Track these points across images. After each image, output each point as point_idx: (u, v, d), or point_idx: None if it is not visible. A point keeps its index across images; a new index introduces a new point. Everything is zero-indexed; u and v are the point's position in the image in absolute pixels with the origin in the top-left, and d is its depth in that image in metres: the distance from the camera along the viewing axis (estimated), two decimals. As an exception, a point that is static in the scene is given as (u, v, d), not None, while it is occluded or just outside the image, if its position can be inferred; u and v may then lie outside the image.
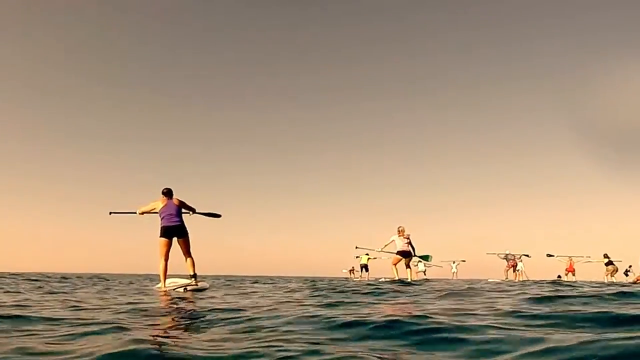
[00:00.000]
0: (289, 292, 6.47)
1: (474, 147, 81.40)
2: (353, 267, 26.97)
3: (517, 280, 21.32)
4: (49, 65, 75.31)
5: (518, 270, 24.67)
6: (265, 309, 3.30)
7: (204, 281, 8.25)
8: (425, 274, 23.35)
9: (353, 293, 5.43)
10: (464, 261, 27.16)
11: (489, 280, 18.54)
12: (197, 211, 8.01)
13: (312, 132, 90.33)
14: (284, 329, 2.32)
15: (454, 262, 27.37)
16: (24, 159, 76.94)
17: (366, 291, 5.56)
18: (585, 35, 63.26)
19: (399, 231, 11.98)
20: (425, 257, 13.61)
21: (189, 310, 3.51)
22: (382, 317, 2.42)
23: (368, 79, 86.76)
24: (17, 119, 76.05)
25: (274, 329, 2.31)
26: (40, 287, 8.13)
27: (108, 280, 14.20)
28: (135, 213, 7.80)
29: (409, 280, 11.63)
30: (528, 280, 20.95)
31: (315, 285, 8.47)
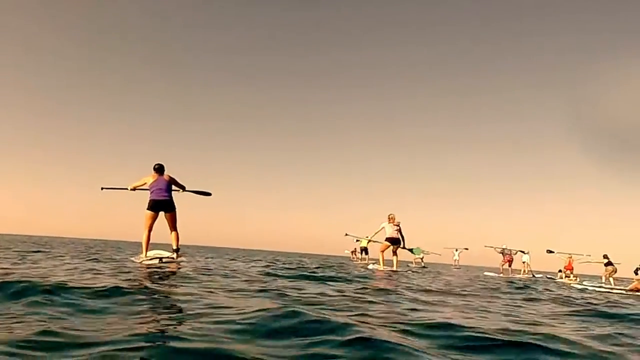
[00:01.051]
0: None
1: (480, 138, 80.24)
2: (355, 249, 26.98)
3: (524, 273, 21.13)
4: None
5: (524, 262, 24.45)
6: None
7: (182, 255, 8.41)
8: (422, 261, 23.27)
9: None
10: (466, 249, 27.44)
11: (486, 273, 18.39)
12: (187, 189, 8.11)
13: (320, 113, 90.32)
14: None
15: (456, 250, 27.70)
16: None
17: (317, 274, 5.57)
18: (591, 34, 61.19)
19: (389, 218, 11.83)
20: (412, 250, 13.41)
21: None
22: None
23: (395, 64, 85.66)
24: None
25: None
26: None
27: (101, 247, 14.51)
28: (126, 189, 7.89)
29: (395, 268, 11.55)
30: (531, 272, 20.73)
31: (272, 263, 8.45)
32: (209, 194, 8.55)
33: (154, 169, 7.77)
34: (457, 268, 27.01)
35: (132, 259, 8.26)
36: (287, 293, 3.63)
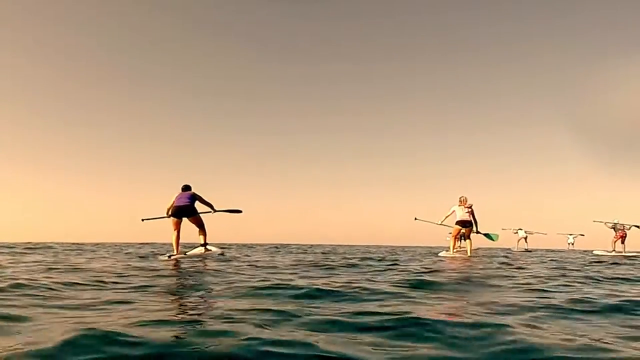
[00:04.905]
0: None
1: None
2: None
3: None
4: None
5: None
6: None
7: (210, 250, 8.46)
8: (526, 242, 21.33)
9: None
10: (582, 235, 25.90)
11: (595, 252, 16.41)
12: (216, 209, 8.41)
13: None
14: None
15: (570, 234, 26.18)
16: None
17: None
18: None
19: (460, 201, 11.03)
20: (488, 236, 12.16)
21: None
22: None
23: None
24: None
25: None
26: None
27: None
28: (164, 217, 8.25)
29: (468, 254, 10.71)
30: None
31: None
32: (239, 211, 8.76)
33: (182, 189, 8.24)
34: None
35: (161, 257, 8.35)
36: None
